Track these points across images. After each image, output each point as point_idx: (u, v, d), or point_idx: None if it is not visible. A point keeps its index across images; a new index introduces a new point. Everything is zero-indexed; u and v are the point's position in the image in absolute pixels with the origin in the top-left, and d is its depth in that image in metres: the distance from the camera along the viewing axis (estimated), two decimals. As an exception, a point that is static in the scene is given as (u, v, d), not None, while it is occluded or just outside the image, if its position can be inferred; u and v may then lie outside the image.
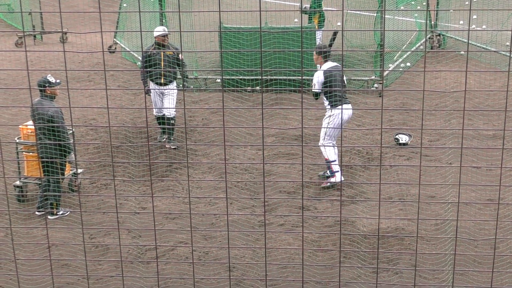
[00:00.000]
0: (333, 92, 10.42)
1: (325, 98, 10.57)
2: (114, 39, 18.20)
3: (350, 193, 10.30)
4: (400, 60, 16.14)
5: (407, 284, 7.85)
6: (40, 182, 10.04)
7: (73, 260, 8.48)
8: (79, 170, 10.71)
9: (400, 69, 15.78)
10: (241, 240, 9.02)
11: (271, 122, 13.03)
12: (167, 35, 12.11)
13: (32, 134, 10.13)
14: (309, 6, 16.58)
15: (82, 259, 8.24)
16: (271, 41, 14.58)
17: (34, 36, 19.67)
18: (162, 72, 12.01)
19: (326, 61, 10.60)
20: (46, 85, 9.60)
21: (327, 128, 10.60)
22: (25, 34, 18.84)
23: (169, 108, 12.09)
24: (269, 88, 14.58)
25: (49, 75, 9.75)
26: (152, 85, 12.23)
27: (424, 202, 9.79)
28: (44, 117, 9.46)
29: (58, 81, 9.72)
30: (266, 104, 13.93)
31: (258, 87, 14.68)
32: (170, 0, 16.92)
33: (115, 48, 18.15)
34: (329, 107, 10.55)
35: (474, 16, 17.56)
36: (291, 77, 14.82)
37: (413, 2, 17.63)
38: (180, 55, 12.10)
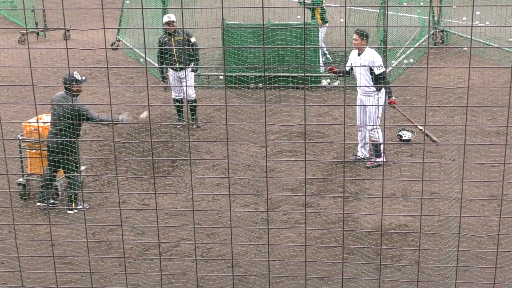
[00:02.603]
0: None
1: (371, 82, 10.61)
2: (117, 36, 18.19)
3: (353, 189, 10.30)
4: (403, 56, 16.12)
5: (410, 280, 7.84)
6: (49, 174, 9.90)
7: (76, 257, 8.49)
8: (82, 167, 10.71)
9: (403, 66, 15.76)
10: (244, 237, 9.02)
11: (274, 119, 13.03)
12: (171, 22, 12.30)
13: (35, 131, 10.10)
14: (310, 1, 16.53)
15: (85, 256, 8.25)
16: (274, 38, 14.56)
17: (37, 33, 19.68)
18: (176, 57, 12.28)
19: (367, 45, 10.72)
20: (73, 83, 9.52)
21: (370, 112, 10.75)
22: (28, 31, 18.84)
23: (189, 92, 12.66)
24: (272, 85, 14.57)
25: (75, 72, 9.63)
26: (170, 71, 12.62)
27: (427, 199, 9.78)
28: (64, 113, 9.45)
29: (83, 78, 9.68)
30: (269, 101, 13.92)
31: (261, 84, 14.66)
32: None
33: (118, 45, 18.15)
34: (374, 92, 10.64)
35: (477, 12, 17.52)
36: (294, 74, 14.80)
37: (416, -2, 17.62)
38: (191, 39, 12.44)
